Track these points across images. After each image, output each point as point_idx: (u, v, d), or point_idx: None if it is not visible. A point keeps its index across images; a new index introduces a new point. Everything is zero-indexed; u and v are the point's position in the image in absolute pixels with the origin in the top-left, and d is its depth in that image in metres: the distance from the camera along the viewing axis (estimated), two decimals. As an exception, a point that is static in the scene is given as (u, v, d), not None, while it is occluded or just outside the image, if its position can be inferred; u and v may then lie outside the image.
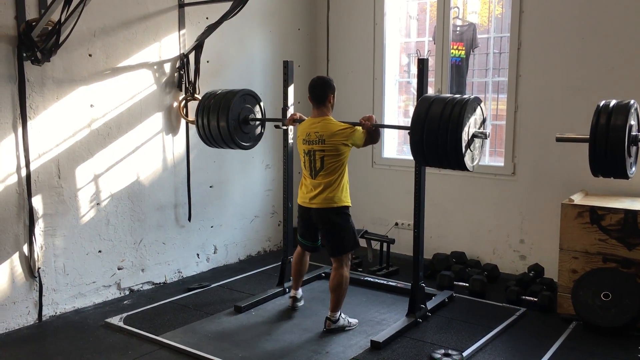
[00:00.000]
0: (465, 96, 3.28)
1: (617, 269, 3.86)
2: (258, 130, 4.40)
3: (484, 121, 3.39)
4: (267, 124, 4.61)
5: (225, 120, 4.08)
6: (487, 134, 3.32)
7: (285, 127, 4.40)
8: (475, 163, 3.38)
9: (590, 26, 4.44)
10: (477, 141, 3.35)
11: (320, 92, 3.74)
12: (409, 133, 3.35)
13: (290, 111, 4.49)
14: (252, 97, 4.30)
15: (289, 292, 4.23)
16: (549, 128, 4.58)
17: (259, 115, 4.37)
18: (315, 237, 3.92)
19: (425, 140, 3.26)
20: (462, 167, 3.27)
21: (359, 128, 3.69)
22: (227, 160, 5.13)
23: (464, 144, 3.19)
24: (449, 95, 3.33)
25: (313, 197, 3.69)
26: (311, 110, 3.82)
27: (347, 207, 3.75)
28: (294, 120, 4.06)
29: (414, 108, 3.40)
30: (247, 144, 4.33)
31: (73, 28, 3.54)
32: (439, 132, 3.19)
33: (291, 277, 4.19)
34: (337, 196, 3.68)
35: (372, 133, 3.74)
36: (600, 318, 3.75)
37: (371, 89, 5.62)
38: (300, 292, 4.09)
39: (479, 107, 3.33)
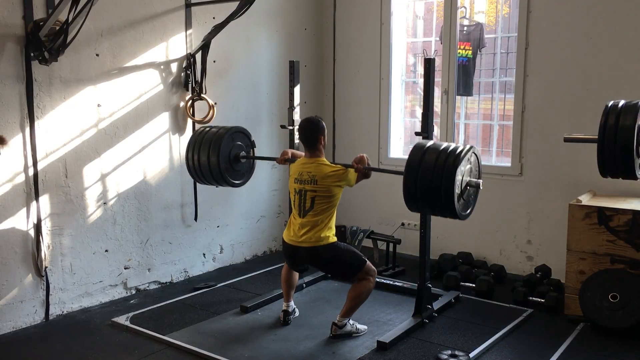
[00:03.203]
0: (459, 146, 3.23)
1: (625, 270, 3.83)
2: (249, 167, 4.30)
3: (479, 169, 3.35)
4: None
5: (216, 159, 3.98)
6: (481, 184, 3.28)
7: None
8: (468, 212, 3.34)
9: (598, 26, 4.42)
10: (471, 190, 3.31)
11: (311, 136, 3.68)
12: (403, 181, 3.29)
13: (296, 112, 4.48)
14: (242, 134, 4.21)
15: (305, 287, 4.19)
16: (557, 128, 4.56)
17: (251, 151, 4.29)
18: (306, 267, 3.94)
19: (418, 188, 3.22)
20: (455, 216, 3.24)
21: (352, 170, 3.65)
22: (233, 160, 5.13)
23: (456, 194, 3.15)
24: (443, 143, 3.30)
25: (302, 235, 3.62)
26: (304, 150, 3.77)
27: (335, 241, 3.68)
28: (286, 160, 3.98)
29: (409, 153, 3.32)
30: (239, 182, 4.23)
31: (80, 28, 3.55)
32: (432, 181, 3.15)
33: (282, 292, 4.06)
34: (325, 235, 3.61)
35: (364, 172, 3.71)
36: (608, 319, 3.73)
37: (377, 89, 5.61)
38: (292, 304, 3.99)
39: (474, 155, 3.29)
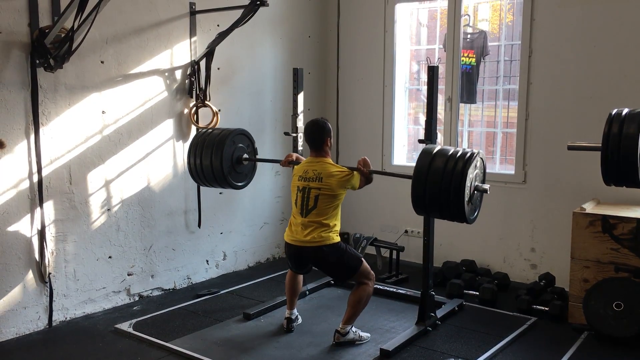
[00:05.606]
0: (467, 150, 3.27)
1: (629, 279, 3.82)
2: (251, 168, 4.33)
3: (484, 174, 3.41)
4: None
5: (219, 162, 4.00)
6: (488, 189, 3.32)
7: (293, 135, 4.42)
8: (475, 215, 3.38)
9: (602, 34, 4.42)
10: (478, 194, 3.36)
11: (317, 137, 3.69)
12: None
13: (300, 119, 4.49)
14: (244, 136, 4.22)
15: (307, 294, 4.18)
16: (560, 136, 4.56)
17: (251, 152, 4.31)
18: (310, 268, 3.84)
19: (427, 193, 3.27)
20: (463, 220, 3.29)
21: (356, 173, 3.65)
22: (237, 167, 5.14)
23: (466, 199, 3.18)
24: (450, 147, 3.36)
25: (306, 235, 3.57)
26: (310, 152, 3.78)
27: (339, 241, 3.65)
28: (290, 162, 3.99)
29: (417, 158, 3.38)
30: (241, 184, 4.26)
31: (86, 35, 3.56)
32: (441, 186, 3.20)
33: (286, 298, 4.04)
34: (330, 236, 3.59)
35: (368, 176, 3.73)
36: (612, 328, 3.72)
37: (381, 96, 5.62)
38: (295, 312, 3.97)
39: (480, 160, 3.34)
